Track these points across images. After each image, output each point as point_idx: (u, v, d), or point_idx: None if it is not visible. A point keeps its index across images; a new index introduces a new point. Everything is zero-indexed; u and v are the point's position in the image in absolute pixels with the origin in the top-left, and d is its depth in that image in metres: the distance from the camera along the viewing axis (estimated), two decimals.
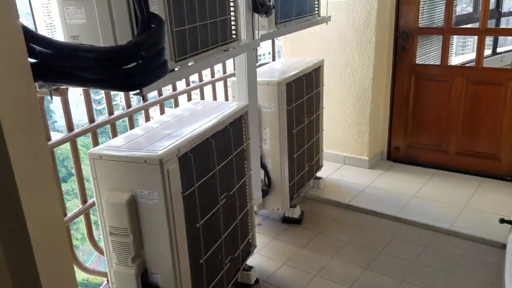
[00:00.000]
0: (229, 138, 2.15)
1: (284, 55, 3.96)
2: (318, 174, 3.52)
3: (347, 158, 3.86)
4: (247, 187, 2.40)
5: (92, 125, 2.28)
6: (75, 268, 2.15)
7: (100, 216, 1.79)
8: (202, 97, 3.03)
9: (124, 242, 1.72)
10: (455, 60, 4.50)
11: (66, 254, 1.29)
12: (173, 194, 1.68)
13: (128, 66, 1.35)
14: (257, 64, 3.71)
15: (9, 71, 1.07)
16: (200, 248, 1.93)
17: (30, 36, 1.22)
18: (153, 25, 1.42)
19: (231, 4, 2.12)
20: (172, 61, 1.65)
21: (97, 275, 2.29)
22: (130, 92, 1.54)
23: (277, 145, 2.82)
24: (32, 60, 1.25)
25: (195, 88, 2.92)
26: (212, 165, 1.99)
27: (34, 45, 1.24)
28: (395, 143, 3.88)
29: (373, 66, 3.51)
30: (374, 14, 3.37)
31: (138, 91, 1.47)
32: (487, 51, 5.09)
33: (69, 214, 2.16)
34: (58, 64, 1.27)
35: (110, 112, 2.41)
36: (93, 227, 2.34)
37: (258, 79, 2.74)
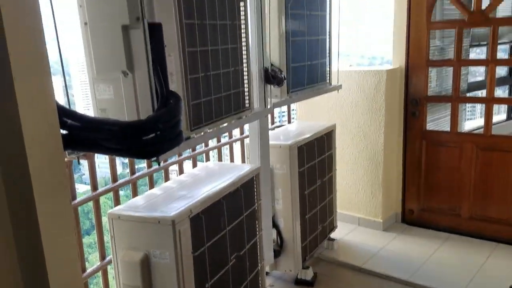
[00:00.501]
0: (240, 199, 2.27)
1: (298, 117, 4.14)
2: (332, 235, 3.57)
3: (361, 219, 3.90)
4: (258, 247, 2.48)
5: (115, 184, 2.45)
6: None
7: (116, 273, 1.90)
8: (220, 157, 3.19)
9: None
10: (468, 124, 4.59)
11: None
12: (184, 254, 1.79)
13: (147, 137, 1.53)
14: (272, 126, 3.91)
15: (43, 142, 1.25)
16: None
17: (63, 111, 1.41)
18: (171, 101, 1.61)
19: (245, 77, 2.32)
20: (187, 130, 1.82)
21: None
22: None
23: (289, 205, 2.92)
24: (64, 132, 1.43)
25: (212, 148, 3.10)
26: (222, 225, 2.10)
27: (66, 119, 1.42)
28: (409, 205, 3.91)
29: (384, 131, 3.64)
30: (384, 82, 3.55)
31: (154, 158, 1.63)
32: (503, 116, 5.18)
33: (88, 270, 2.27)
34: (85, 135, 1.45)
35: (132, 172, 2.58)
36: (112, 282, 2.44)
37: (271, 142, 2.89)
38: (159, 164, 1.74)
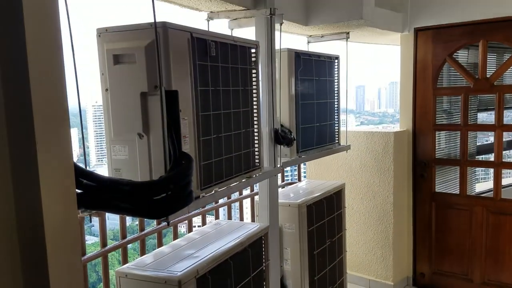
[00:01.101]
0: (248, 259, 2.27)
1: (308, 176, 4.19)
2: None
3: (372, 282, 3.82)
4: None
5: (123, 241, 2.48)
6: None
7: None
8: (230, 214, 3.22)
9: None
10: (479, 186, 4.57)
11: None
12: None
13: (157, 197, 1.58)
14: (283, 183, 3.95)
15: (59, 201, 1.31)
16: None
17: (80, 172, 1.48)
18: (183, 162, 1.68)
19: (255, 138, 2.40)
20: (198, 189, 1.87)
21: None
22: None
23: (298, 266, 2.89)
24: (79, 191, 1.49)
25: (222, 205, 3.14)
26: (230, 286, 2.09)
27: (82, 179, 1.49)
28: (420, 268, 3.83)
29: (393, 192, 3.65)
30: (391, 144, 3.61)
31: (164, 217, 1.67)
32: None
33: None
34: (99, 195, 1.51)
35: (142, 228, 2.62)
36: None
37: (280, 200, 2.92)
38: (168, 224, 1.77)
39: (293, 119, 2.84)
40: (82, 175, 1.50)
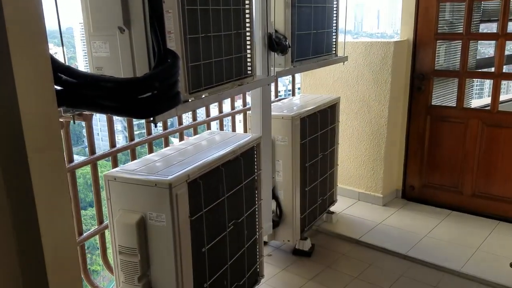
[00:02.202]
0: (240, 167, 2.24)
1: (302, 91, 4.09)
2: (332, 208, 3.56)
3: (361, 194, 3.88)
4: (256, 216, 2.47)
5: (113, 149, 2.43)
6: None
7: (112, 235, 1.89)
8: (222, 129, 3.16)
9: (131, 262, 1.81)
10: (475, 102, 4.51)
11: (75, 268, 1.38)
12: (181, 217, 1.77)
13: (143, 96, 1.49)
14: (276, 98, 3.86)
15: (36, 95, 1.21)
16: (205, 272, 1.99)
17: (58, 66, 1.37)
18: (169, 60, 1.56)
19: (248, 42, 2.26)
20: (186, 93, 1.78)
21: None
22: (145, 120, 1.67)
23: (290, 177, 2.90)
24: (58, 88, 1.39)
25: (214, 119, 3.06)
26: (221, 192, 2.08)
27: (61, 74, 1.38)
28: (410, 181, 3.88)
29: (388, 105, 3.59)
30: (391, 55, 3.47)
31: (151, 118, 1.59)
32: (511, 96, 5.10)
33: (85, 233, 2.27)
34: (80, 92, 1.41)
35: (131, 138, 2.56)
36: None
37: (274, 113, 2.85)
38: (155, 125, 1.70)
39: (289, 24, 2.68)
40: (61, 70, 1.39)
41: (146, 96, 1.49)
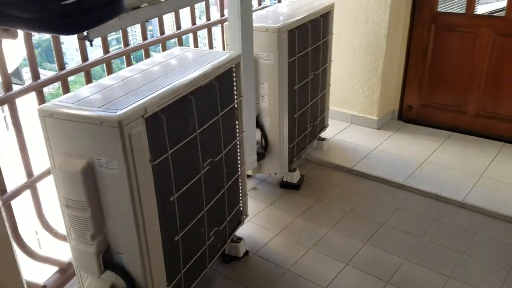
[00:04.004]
0: (214, 94, 1.82)
1: None
2: (322, 134, 3.21)
3: (354, 117, 3.53)
4: (238, 151, 2.10)
5: (62, 72, 1.96)
6: (25, 255, 1.85)
7: (56, 185, 1.51)
8: (196, 45, 2.67)
9: (81, 217, 1.46)
10: (482, 8, 4.02)
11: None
12: (138, 162, 1.39)
13: (67, 2, 1.02)
14: (259, 6, 3.31)
15: None
16: (176, 224, 1.66)
17: None
18: None
19: None
20: None
21: (50, 264, 2.01)
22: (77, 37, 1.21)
23: (276, 102, 2.49)
24: None
25: (186, 32, 2.56)
26: (192, 127, 1.68)
27: None
28: (408, 101, 3.52)
29: (389, 13, 3.10)
30: None
31: (85, 34, 1.14)
32: None
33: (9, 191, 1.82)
34: None
35: (84, 58, 2.08)
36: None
37: (256, 24, 2.36)
38: (91, 43, 1.25)
39: None
40: None
41: (71, 2, 1.02)
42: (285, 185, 2.78)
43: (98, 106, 1.40)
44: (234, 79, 1.98)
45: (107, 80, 1.64)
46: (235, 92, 2.01)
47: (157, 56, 1.98)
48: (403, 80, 3.48)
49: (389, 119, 3.60)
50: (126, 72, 1.75)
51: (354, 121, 3.54)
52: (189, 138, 1.66)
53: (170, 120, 1.54)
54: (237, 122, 2.06)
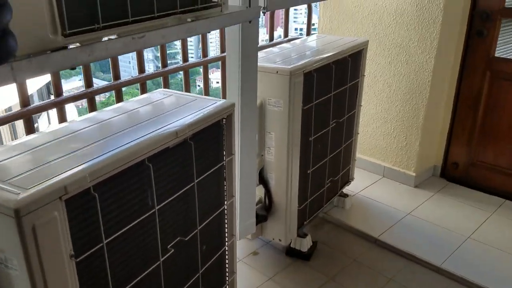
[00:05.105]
0: (189, 156, 1.41)
1: (321, 30, 3.11)
2: (346, 189, 2.73)
3: (387, 170, 3.02)
4: (225, 220, 1.68)
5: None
6: None
7: None
8: (188, 86, 2.27)
9: None
10: None
11: None
12: (49, 261, 0.99)
13: None
14: (284, 38, 2.92)
15: None
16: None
17: None
18: None
19: None
20: (54, 34, 0.92)
21: None
22: None
23: (284, 155, 2.05)
24: None
25: (174, 71, 2.17)
26: (149, 201, 1.27)
27: None
28: (454, 157, 2.97)
29: (435, 54, 2.61)
30: None
31: None
32: None
33: None
34: None
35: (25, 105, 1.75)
36: None
37: (265, 64, 1.96)
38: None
39: None
40: None
41: None
42: (292, 253, 2.31)
43: (4, 179, 1.02)
44: (224, 134, 1.57)
45: (45, 136, 1.27)
46: (224, 150, 1.59)
47: (131, 102, 1.60)
48: (448, 132, 2.95)
49: (430, 175, 3.07)
50: (78, 123, 1.37)
51: (387, 174, 3.03)
52: (143, 217, 1.25)
53: (112, 196, 1.14)
54: (225, 185, 1.64)
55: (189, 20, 1.31)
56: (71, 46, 0.98)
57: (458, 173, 2.98)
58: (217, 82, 2.63)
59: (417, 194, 2.85)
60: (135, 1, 1.11)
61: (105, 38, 1.05)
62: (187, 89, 2.29)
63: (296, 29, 2.77)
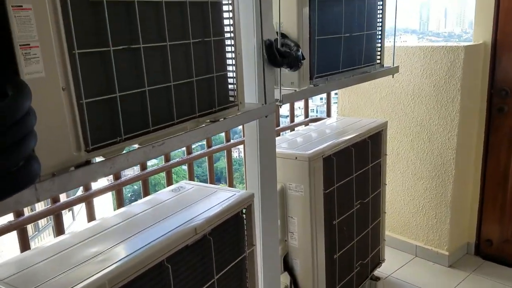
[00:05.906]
0: (208, 253, 1.42)
1: (340, 111, 3.19)
2: (377, 271, 2.63)
3: (419, 249, 2.91)
4: None
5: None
6: None
7: None
8: (212, 172, 2.34)
9: None
10: None
11: None
12: None
13: None
14: (305, 119, 3.00)
15: None
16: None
17: None
18: (10, 94, 0.80)
19: (229, 55, 1.45)
20: (78, 151, 1.00)
21: None
22: None
23: (309, 241, 2.03)
24: None
25: (198, 157, 2.25)
26: None
27: None
28: (487, 234, 2.86)
29: (457, 132, 2.60)
30: (461, 63, 2.50)
31: None
32: None
33: None
34: None
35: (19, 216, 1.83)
36: None
37: (285, 151, 2.01)
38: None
39: (304, 25, 1.82)
40: None
41: None
42: None
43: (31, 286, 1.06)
44: (244, 224, 1.59)
45: (73, 238, 1.32)
46: (245, 241, 1.60)
47: (161, 193, 1.66)
48: (479, 208, 2.86)
49: (464, 253, 2.93)
50: (107, 219, 1.43)
51: (419, 253, 2.92)
52: None
53: None
54: (247, 278, 1.62)
55: (207, 121, 1.39)
56: (94, 161, 1.06)
57: (492, 250, 2.84)
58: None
59: (452, 275, 2.72)
60: (156, 110, 1.19)
61: (126, 149, 1.12)
62: (211, 175, 2.35)
63: (312, 109, 2.84)
